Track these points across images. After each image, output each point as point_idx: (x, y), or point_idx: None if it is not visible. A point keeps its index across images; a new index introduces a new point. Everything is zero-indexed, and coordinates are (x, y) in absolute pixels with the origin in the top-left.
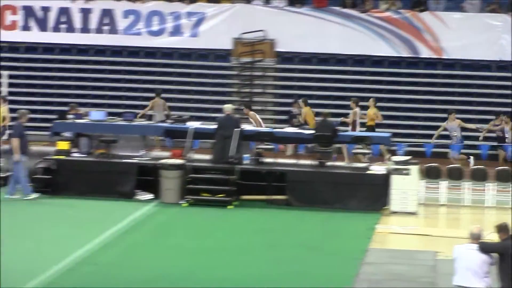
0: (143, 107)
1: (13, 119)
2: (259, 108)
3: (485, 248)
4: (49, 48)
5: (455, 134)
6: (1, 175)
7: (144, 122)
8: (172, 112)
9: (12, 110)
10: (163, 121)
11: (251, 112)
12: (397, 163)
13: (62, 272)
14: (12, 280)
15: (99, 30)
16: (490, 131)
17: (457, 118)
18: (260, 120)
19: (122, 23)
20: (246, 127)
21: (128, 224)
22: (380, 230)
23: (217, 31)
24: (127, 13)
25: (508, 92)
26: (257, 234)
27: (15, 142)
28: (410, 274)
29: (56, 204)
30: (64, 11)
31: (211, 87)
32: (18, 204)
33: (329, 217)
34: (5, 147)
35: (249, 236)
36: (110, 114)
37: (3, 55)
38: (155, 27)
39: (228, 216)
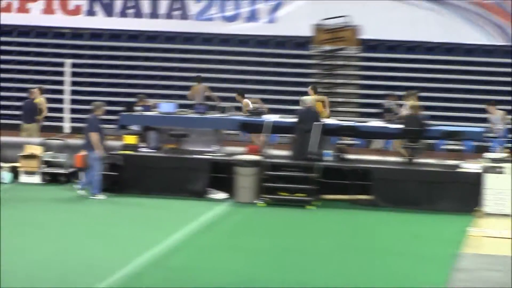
0: (218, 98)
1: (85, 111)
2: (341, 100)
3: None
4: (115, 34)
5: (500, 127)
6: (64, 172)
7: (217, 115)
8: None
9: (75, 102)
10: (200, 104)
11: (245, 100)
12: (492, 160)
13: (130, 276)
14: (77, 283)
15: (169, 16)
16: None
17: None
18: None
19: (194, 8)
20: (326, 120)
21: (200, 224)
22: (473, 234)
23: (296, 16)
24: None
25: None
26: (339, 237)
27: (95, 136)
28: (506, 281)
29: (122, 202)
30: None
31: (289, 77)
32: (84, 202)
33: (418, 219)
34: (74, 141)
35: (329, 239)
36: (180, 106)
37: (66, 42)
38: (229, 12)
39: (307, 217)
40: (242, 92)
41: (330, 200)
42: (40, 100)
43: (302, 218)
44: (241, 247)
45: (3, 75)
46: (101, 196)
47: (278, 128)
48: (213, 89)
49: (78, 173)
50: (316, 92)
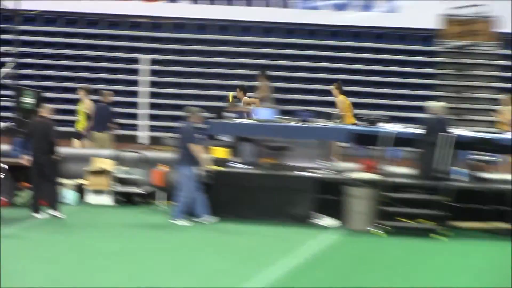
0: (324, 103)
1: (166, 118)
2: (475, 106)
3: None
4: (202, 25)
5: None
6: (140, 191)
7: (324, 123)
8: (360, 111)
9: (155, 106)
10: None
11: (245, 98)
12: None
13: None
14: None
15: (267, 3)
16: None
17: None
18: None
19: None
20: (458, 131)
21: (304, 257)
22: None
23: (421, 5)
24: None
25: None
26: (472, 275)
27: (197, 148)
28: None
29: (210, 229)
30: None
31: (412, 78)
32: (166, 229)
33: None
34: (152, 154)
35: (461, 277)
36: (282, 112)
37: (143, 33)
38: None
39: (434, 249)
40: (244, 87)
41: (462, 228)
42: (87, 103)
43: (429, 250)
44: (354, 286)
45: (68, 73)
46: (184, 222)
47: (400, 141)
48: (319, 92)
49: (157, 193)
50: (341, 92)
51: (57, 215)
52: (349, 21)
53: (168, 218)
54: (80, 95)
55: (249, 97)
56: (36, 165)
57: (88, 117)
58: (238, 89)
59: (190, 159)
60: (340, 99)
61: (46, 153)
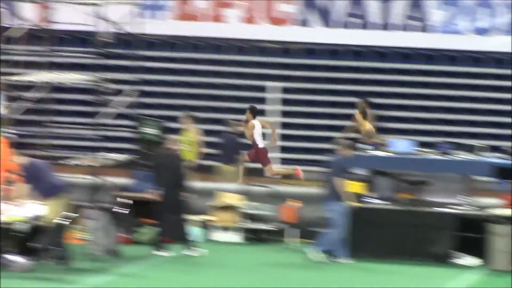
0: (466, 135)
1: (297, 150)
2: None
3: None
4: (335, 50)
5: None
6: (270, 228)
7: (466, 156)
8: (499, 143)
9: (285, 137)
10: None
11: (252, 122)
12: None
13: None
14: None
15: (406, 27)
16: None
17: None
18: (257, 135)
19: (437, 16)
20: None
21: None
22: None
23: None
24: (443, 3)
25: None
26: None
27: (343, 182)
28: None
29: (347, 267)
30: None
31: None
32: (298, 267)
33: None
34: (283, 188)
35: None
36: (420, 144)
37: (272, 60)
38: (481, 22)
39: None
40: (254, 110)
41: None
42: (195, 130)
43: None
44: None
45: (194, 103)
46: (322, 259)
47: None
48: (461, 122)
49: (287, 229)
50: (365, 117)
51: (192, 254)
52: (492, 46)
53: (303, 256)
54: (184, 123)
55: None
56: (164, 200)
57: (198, 146)
58: (248, 111)
59: (339, 195)
60: (363, 123)
61: (175, 187)
